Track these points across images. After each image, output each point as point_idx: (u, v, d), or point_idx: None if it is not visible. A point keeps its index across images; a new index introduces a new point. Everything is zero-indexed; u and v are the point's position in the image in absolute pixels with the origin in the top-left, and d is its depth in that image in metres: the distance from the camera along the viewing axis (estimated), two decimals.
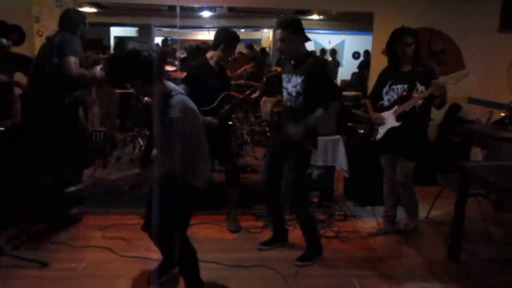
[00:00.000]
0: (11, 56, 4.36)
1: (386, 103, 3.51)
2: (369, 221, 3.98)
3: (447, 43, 5.65)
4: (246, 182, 4.56)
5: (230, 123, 3.93)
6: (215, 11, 8.81)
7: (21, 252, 3.18)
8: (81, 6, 5.71)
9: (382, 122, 3.50)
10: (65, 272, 2.99)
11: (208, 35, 11.73)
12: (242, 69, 6.31)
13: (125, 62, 2.44)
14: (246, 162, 5.60)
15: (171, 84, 2.54)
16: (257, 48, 11.84)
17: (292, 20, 3.07)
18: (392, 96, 3.46)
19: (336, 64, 11.52)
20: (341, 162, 4.19)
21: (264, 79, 3.50)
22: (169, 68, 6.87)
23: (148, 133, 5.63)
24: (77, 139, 3.80)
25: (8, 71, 4.27)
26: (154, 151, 2.86)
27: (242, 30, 11.67)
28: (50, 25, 5.03)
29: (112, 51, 9.95)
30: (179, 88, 2.58)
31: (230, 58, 3.71)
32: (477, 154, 4.78)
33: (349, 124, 4.72)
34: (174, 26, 6.56)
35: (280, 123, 3.20)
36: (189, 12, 8.43)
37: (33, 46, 4.96)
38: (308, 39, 3.10)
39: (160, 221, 2.49)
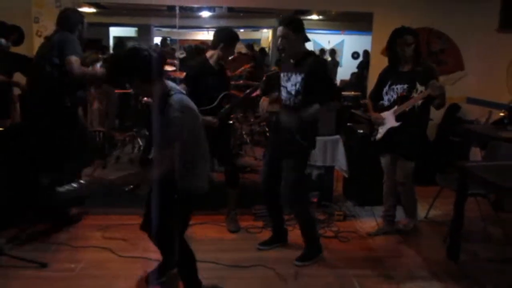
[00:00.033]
0: (10, 56, 4.36)
1: (386, 103, 3.51)
2: (369, 221, 3.98)
3: (446, 43, 5.65)
4: (246, 182, 4.57)
5: (231, 122, 3.92)
6: (214, 11, 8.80)
7: (21, 252, 3.17)
8: (80, 6, 5.69)
9: (381, 122, 3.50)
10: (64, 273, 2.98)
11: (207, 35, 11.68)
12: (242, 68, 6.32)
13: (124, 59, 2.39)
14: (246, 162, 5.61)
15: (170, 83, 2.52)
16: (257, 48, 11.84)
17: (294, 18, 3.09)
18: (392, 96, 3.47)
19: (336, 64, 11.49)
20: (341, 162, 4.19)
21: (264, 78, 3.49)
22: (168, 68, 6.87)
23: (147, 133, 5.64)
24: (77, 139, 3.79)
25: (7, 72, 4.27)
26: (153, 151, 2.85)
27: (242, 30, 11.65)
28: (49, 26, 5.01)
29: (111, 51, 9.94)
30: (179, 87, 2.57)
31: (229, 58, 3.70)
32: (476, 154, 4.78)
33: (348, 124, 4.72)
34: (174, 26, 6.54)
35: (278, 123, 3.20)
36: (189, 12, 8.41)
37: (32, 46, 4.95)
38: (308, 40, 3.10)
39: (160, 221, 2.48)
